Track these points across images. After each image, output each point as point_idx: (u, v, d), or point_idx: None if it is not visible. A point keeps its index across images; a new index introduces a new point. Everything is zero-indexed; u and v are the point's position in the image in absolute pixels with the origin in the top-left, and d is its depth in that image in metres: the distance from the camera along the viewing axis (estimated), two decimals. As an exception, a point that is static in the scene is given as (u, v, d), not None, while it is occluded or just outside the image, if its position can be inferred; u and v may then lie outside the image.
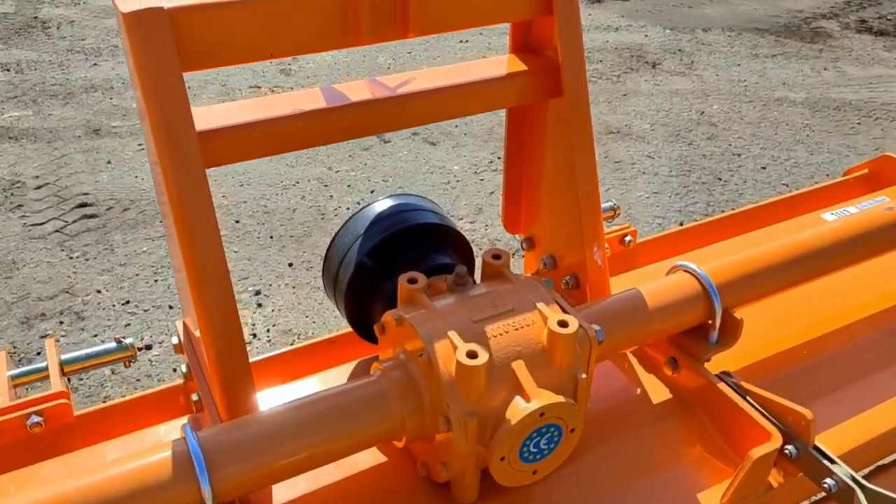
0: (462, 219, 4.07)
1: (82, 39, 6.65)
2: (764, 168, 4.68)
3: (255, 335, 3.27)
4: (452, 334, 1.10)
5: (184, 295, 1.38)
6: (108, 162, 4.71)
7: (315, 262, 3.74)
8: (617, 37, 6.85)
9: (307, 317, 3.38)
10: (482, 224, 4.05)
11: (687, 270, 1.40)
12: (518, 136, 1.61)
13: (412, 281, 1.21)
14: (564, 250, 1.56)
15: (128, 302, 3.46)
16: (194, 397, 1.44)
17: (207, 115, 1.26)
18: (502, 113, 1.60)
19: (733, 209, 2.17)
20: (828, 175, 4.57)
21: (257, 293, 3.53)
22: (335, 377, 1.54)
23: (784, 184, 4.49)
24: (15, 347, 3.18)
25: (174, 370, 3.07)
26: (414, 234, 1.43)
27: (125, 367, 1.86)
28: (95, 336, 3.24)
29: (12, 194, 4.36)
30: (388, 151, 4.83)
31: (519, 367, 1.10)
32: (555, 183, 1.53)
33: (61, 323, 3.33)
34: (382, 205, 1.47)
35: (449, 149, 4.88)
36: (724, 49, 6.52)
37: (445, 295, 1.22)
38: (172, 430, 1.53)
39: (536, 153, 1.57)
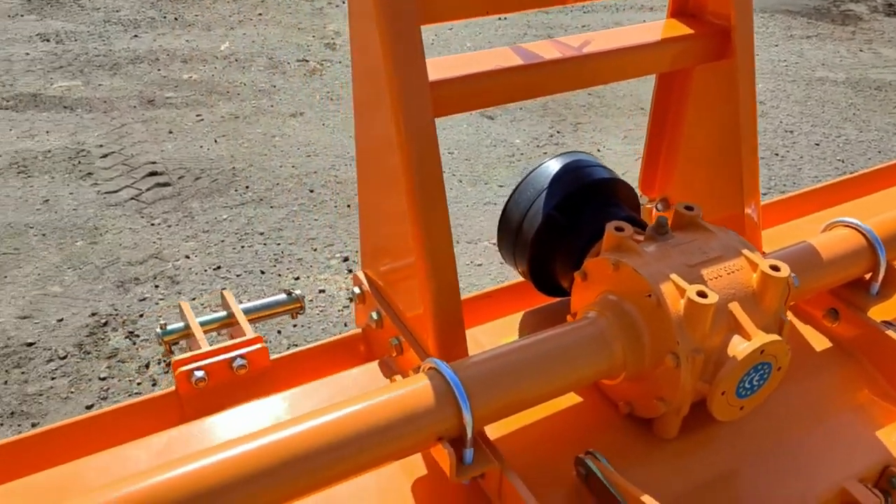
0: (533, 190, 4.13)
1: (117, 11, 6.59)
2: (817, 144, 4.78)
3: (351, 300, 3.32)
4: (675, 277, 1.17)
5: (389, 243, 1.44)
6: (170, 132, 4.71)
7: (396, 230, 3.79)
8: (653, 16, 6.91)
9: None
10: (553, 195, 4.12)
11: (849, 225, 1.47)
12: (665, 101, 1.69)
13: (619, 229, 1.27)
14: (711, 207, 1.63)
15: (219, 267, 3.50)
16: (394, 341, 1.49)
17: (434, 67, 1.31)
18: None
19: (803, 187, 2.25)
20: (879, 152, 4.69)
21: (345, 259, 3.57)
22: (500, 328, 1.60)
23: (839, 159, 4.60)
24: (116, 310, 3.21)
25: (294, 325, 3.12)
26: (596, 188, 1.50)
27: (292, 318, 1.91)
28: (194, 299, 3.28)
29: (79, 162, 4.35)
30: (448, 124, 4.87)
31: (735, 307, 1.17)
32: (707, 143, 1.60)
33: (157, 287, 3.36)
34: (559, 162, 1.54)
35: (507, 122, 4.93)
36: (760, 30, 6.61)
37: (648, 243, 1.29)
38: (361, 374, 1.57)
39: (683, 116, 1.65)
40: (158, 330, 1.81)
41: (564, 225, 1.46)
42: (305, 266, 3.52)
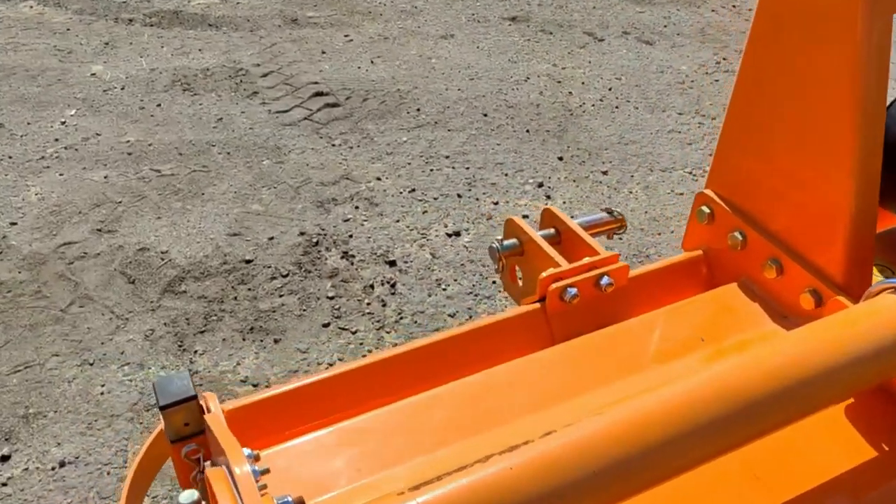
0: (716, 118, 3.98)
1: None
2: None
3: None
4: None
5: (785, 166, 1.36)
6: (323, 52, 4.59)
7: (581, 156, 3.68)
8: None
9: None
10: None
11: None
12: None
13: None
14: None
15: (413, 190, 3.43)
16: (771, 262, 1.41)
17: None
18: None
19: None
20: None
21: (540, 185, 3.48)
22: None
23: None
24: (323, 230, 3.17)
25: None
26: None
27: (608, 238, 1.83)
28: (397, 221, 3.23)
29: (241, 81, 4.27)
30: (606, 49, 4.69)
31: None
32: None
33: (357, 208, 3.31)
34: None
35: (667, 48, 4.73)
36: None
37: None
38: (725, 294, 1.50)
39: None
40: (495, 244, 1.73)
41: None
42: (501, 190, 3.44)
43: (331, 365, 2.57)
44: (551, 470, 0.89)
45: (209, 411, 1.17)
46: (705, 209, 1.61)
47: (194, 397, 1.23)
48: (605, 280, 1.53)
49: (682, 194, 3.44)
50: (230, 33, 4.78)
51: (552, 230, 1.84)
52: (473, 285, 2.90)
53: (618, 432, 0.91)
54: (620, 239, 3.09)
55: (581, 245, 1.72)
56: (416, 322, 2.73)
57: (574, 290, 1.53)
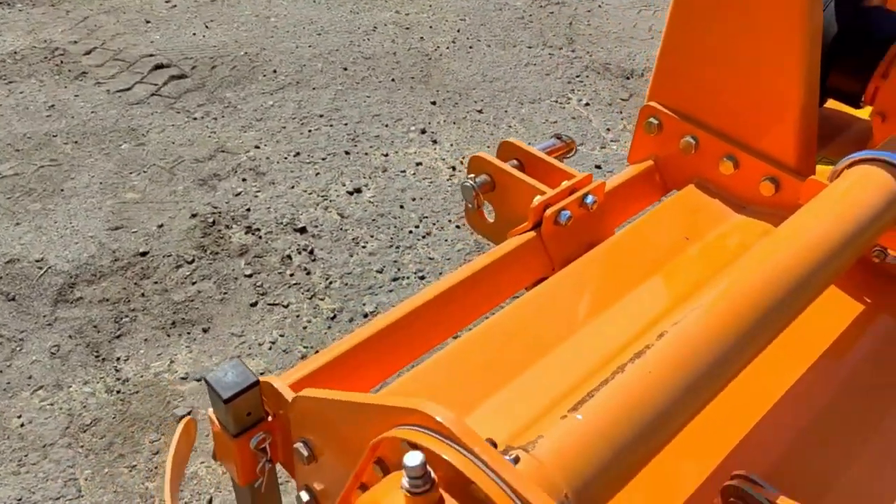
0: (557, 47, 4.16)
1: None
2: None
3: (454, 168, 3.27)
4: None
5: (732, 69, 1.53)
6: (147, 21, 4.19)
7: (453, 98, 3.71)
8: None
9: (490, 147, 3.40)
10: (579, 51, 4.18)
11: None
12: None
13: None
14: None
15: (298, 153, 3.28)
16: (727, 160, 1.60)
17: None
18: None
19: None
20: None
21: (423, 132, 3.47)
22: None
23: None
24: (215, 208, 2.96)
25: (414, 199, 3.01)
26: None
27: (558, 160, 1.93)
28: (292, 188, 3.08)
29: (62, 62, 3.80)
30: (442, -8, 4.71)
31: None
32: None
33: (244, 180, 3.11)
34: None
35: (499, -14, 4.84)
36: None
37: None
38: (690, 196, 1.67)
39: None
40: (468, 182, 1.75)
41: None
42: (386, 142, 3.39)
43: (274, 343, 2.44)
44: (684, 364, 0.95)
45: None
46: (653, 121, 1.70)
47: (257, 383, 1.15)
48: (589, 199, 1.59)
49: (555, 122, 3.60)
50: (28, 10, 4.21)
51: (515, 161, 1.86)
52: (391, 238, 2.86)
53: (717, 322, 1.00)
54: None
55: (549, 171, 1.76)
56: (346, 284, 2.65)
57: (568, 213, 1.57)
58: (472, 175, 1.76)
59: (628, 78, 3.93)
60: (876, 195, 1.24)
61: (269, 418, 1.23)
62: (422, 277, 2.69)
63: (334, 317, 2.53)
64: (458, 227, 2.92)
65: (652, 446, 0.93)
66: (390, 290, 2.63)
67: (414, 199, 3.06)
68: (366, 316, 2.53)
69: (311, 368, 1.24)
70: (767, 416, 1.25)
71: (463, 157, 3.33)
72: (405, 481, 0.72)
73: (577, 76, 3.93)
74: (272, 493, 1.37)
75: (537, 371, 1.26)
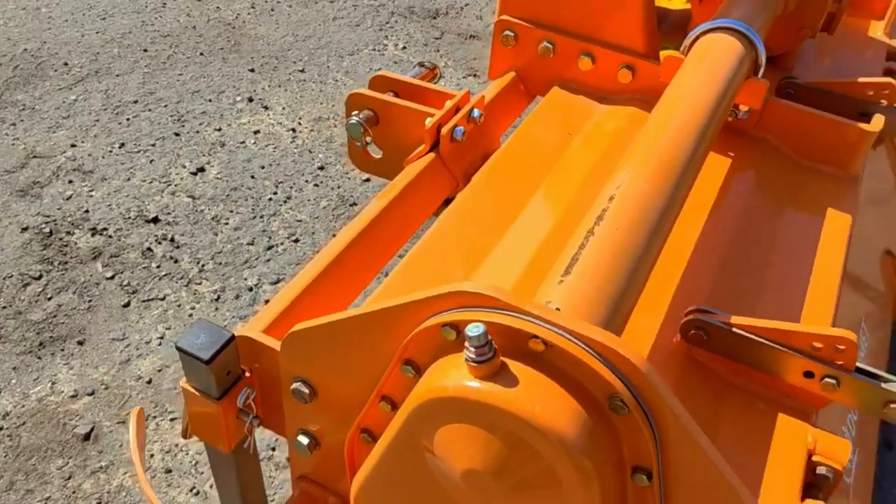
0: (363, -1, 4.15)
1: None
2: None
3: (294, 130, 3.19)
4: None
5: None
6: None
7: (271, 63, 3.60)
8: None
9: (322, 103, 3.36)
10: None
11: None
12: None
13: None
14: None
15: (122, 144, 3.04)
16: (584, 55, 1.80)
17: None
18: None
19: None
20: None
21: (250, 100, 3.34)
22: None
23: None
24: (48, 216, 2.68)
25: (262, 166, 2.88)
26: None
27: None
28: (129, 180, 2.86)
29: None
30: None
31: None
32: None
33: (71, 182, 2.84)
34: None
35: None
36: None
37: None
38: (560, 96, 1.86)
39: None
40: (354, 119, 1.78)
41: None
42: (216, 116, 3.23)
43: (162, 338, 2.30)
44: (641, 218, 1.07)
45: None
46: (508, 33, 1.82)
47: (233, 338, 1.13)
48: (476, 112, 1.69)
49: (379, 69, 3.62)
50: None
51: (391, 93, 1.90)
52: (252, 209, 2.77)
53: (652, 179, 1.14)
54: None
55: (427, 95, 1.82)
56: (220, 263, 2.54)
57: (462, 129, 1.66)
58: (356, 112, 1.77)
59: (435, 17, 4.03)
60: (729, 57, 1.42)
61: (247, 374, 1.20)
62: (296, 241, 2.64)
63: (218, 297, 2.42)
64: (316, 185, 2.89)
65: (637, 290, 1.04)
66: (268, 260, 2.56)
67: (263, 168, 2.97)
68: (251, 290, 2.45)
69: (274, 314, 1.22)
70: (692, 261, 1.41)
71: (299, 119, 3.26)
72: (470, 353, 0.75)
73: (387, 23, 3.97)
74: (254, 454, 1.34)
75: (501, 253, 1.33)
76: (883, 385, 1.01)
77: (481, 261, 1.35)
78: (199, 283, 2.47)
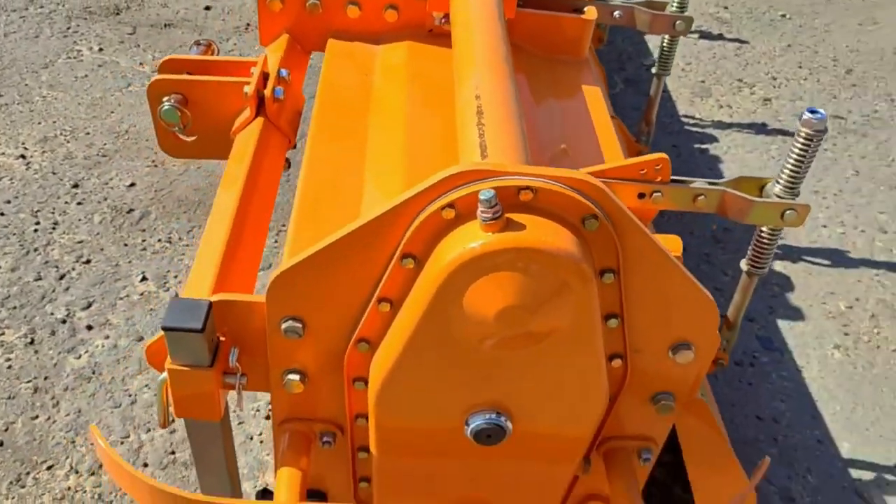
0: None
1: None
2: None
3: (24, 157, 2.94)
4: None
5: None
6: None
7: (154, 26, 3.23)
8: None
9: (40, 123, 3.13)
10: None
11: None
12: None
13: None
14: None
15: None
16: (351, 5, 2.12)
17: None
18: None
19: None
20: None
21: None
22: None
23: None
24: None
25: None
26: None
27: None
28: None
29: None
30: None
31: None
32: None
33: None
34: None
35: None
36: None
37: None
38: (335, 48, 2.16)
39: None
40: (167, 105, 1.85)
41: None
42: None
43: (-11, 398, 2.11)
44: (506, 97, 1.40)
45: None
46: None
47: (211, 303, 1.24)
48: (283, 72, 1.91)
49: (86, 76, 3.44)
50: None
51: (187, 74, 2.02)
52: (21, 246, 2.57)
53: (493, 70, 1.46)
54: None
55: (223, 67, 1.99)
56: (14, 307, 2.36)
57: (281, 88, 1.88)
58: (166, 98, 1.86)
59: (118, 14, 3.88)
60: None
61: (222, 339, 1.31)
62: (87, 262, 2.53)
63: (32, 340, 2.27)
64: (79, 203, 2.76)
65: (527, 154, 1.35)
66: (67, 288, 2.44)
67: (9, 202, 2.74)
68: (64, 321, 2.33)
69: (211, 281, 1.32)
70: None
71: (23, 144, 3.02)
72: (487, 214, 1.00)
73: (69, 28, 3.74)
74: (228, 420, 1.45)
75: (379, 174, 1.56)
76: (691, 185, 1.46)
77: (367, 185, 1.58)
78: (3, 334, 2.28)
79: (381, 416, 1.24)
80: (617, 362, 1.23)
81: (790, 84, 3.62)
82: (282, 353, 1.24)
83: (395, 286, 1.13)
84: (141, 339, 2.24)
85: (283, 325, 1.19)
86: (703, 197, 1.52)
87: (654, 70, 2.37)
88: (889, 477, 1.96)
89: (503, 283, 1.03)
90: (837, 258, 2.64)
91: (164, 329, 1.13)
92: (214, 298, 1.23)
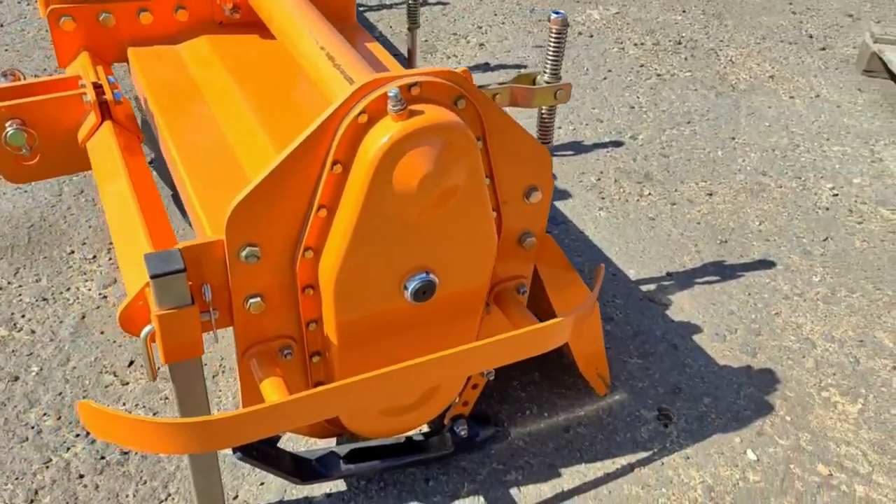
0: None
1: None
2: None
3: None
4: None
5: None
6: None
7: None
8: None
9: None
10: None
11: None
12: None
13: None
14: None
15: None
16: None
17: None
18: None
19: None
20: None
21: None
22: None
23: None
24: None
25: None
26: None
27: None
28: None
29: None
30: None
31: None
32: None
33: None
34: None
35: None
36: None
37: None
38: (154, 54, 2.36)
39: None
40: (12, 130, 1.93)
41: None
42: None
43: None
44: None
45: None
46: (66, 18, 2.19)
47: (179, 249, 1.40)
48: (112, 79, 2.09)
49: None
50: None
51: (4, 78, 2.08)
52: None
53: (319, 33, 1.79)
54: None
55: (46, 86, 2.10)
56: None
57: (119, 92, 2.05)
58: (8, 124, 1.95)
59: None
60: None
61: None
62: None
63: None
64: None
65: None
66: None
67: None
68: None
69: (148, 244, 1.52)
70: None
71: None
72: (396, 107, 1.33)
73: None
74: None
75: (248, 136, 1.81)
76: (489, 88, 1.90)
77: (237, 148, 1.82)
78: None
79: (340, 312, 1.52)
80: (495, 215, 1.63)
81: (493, 29, 4.30)
82: (243, 279, 1.46)
83: (328, 192, 1.42)
84: (17, 378, 2.19)
85: (243, 253, 1.42)
86: (499, 95, 1.97)
87: (406, 28, 2.81)
88: (665, 283, 2.62)
89: (418, 157, 1.37)
90: (577, 147, 3.31)
91: (153, 277, 1.30)
92: (179, 246, 1.39)
